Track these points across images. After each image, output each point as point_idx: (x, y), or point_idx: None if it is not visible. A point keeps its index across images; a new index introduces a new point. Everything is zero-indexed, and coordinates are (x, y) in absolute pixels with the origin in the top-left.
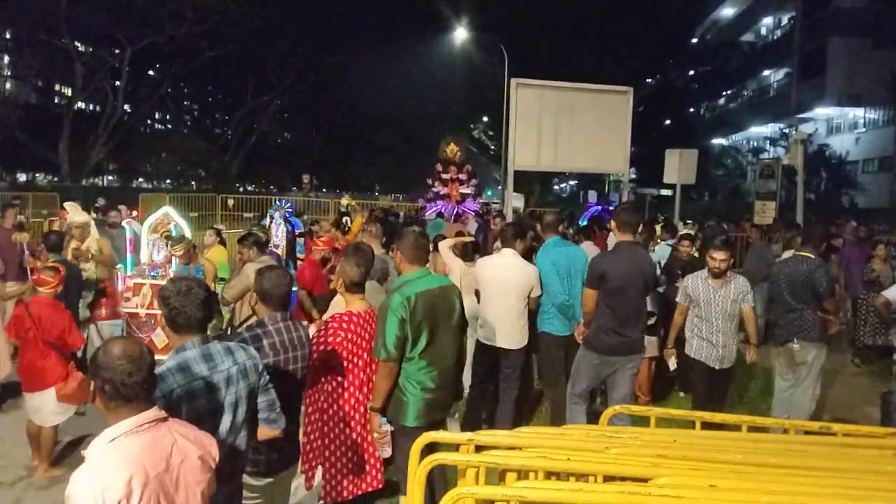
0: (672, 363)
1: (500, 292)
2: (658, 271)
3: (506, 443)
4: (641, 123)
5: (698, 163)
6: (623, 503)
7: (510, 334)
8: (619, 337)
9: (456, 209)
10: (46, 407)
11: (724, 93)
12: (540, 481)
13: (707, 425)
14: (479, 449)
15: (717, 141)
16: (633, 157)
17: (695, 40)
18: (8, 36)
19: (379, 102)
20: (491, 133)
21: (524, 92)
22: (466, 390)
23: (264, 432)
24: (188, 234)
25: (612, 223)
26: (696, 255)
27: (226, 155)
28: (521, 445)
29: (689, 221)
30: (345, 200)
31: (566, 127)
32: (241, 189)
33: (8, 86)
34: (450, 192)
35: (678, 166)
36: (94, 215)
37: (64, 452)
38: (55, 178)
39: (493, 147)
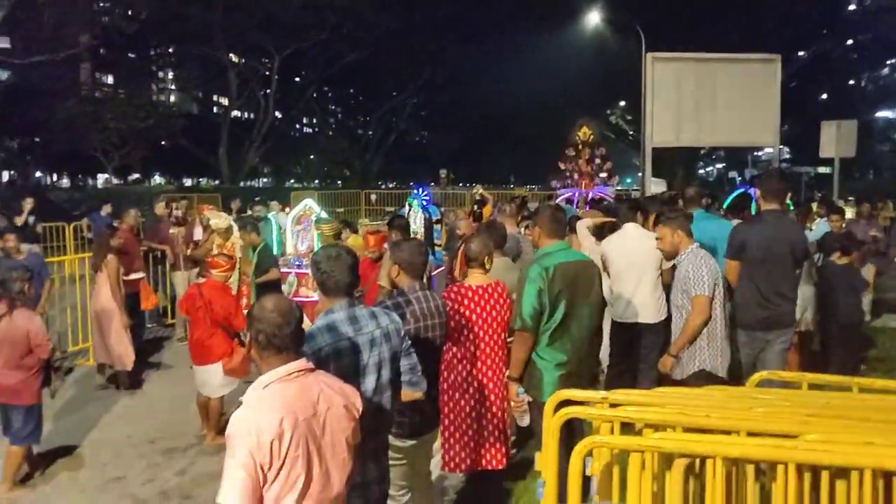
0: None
1: (629, 266)
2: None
3: (642, 401)
4: (794, 99)
5: (860, 138)
6: (767, 455)
7: (645, 307)
8: (764, 310)
9: (589, 194)
10: (213, 380)
11: (889, 62)
12: (678, 433)
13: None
14: (614, 408)
15: (882, 114)
16: (785, 135)
17: (852, 7)
18: (171, 51)
19: (513, 94)
20: (629, 117)
21: (661, 66)
22: (605, 370)
23: (407, 394)
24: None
25: (758, 192)
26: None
27: (368, 153)
28: (658, 404)
29: (850, 198)
30: (476, 190)
31: (708, 100)
32: (383, 185)
33: (172, 98)
34: (581, 177)
35: (835, 139)
36: (250, 212)
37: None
38: (217, 182)
39: (631, 132)
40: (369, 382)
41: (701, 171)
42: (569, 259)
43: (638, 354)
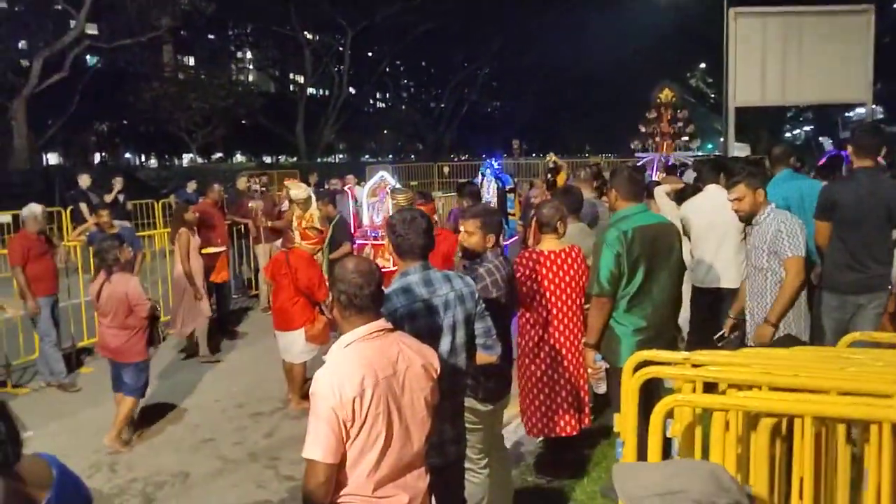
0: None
1: (710, 229)
2: None
3: (725, 362)
4: (890, 56)
5: None
6: (861, 414)
7: (727, 271)
8: (856, 273)
9: (669, 159)
10: (295, 346)
11: None
12: (764, 392)
13: None
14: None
15: None
16: (879, 94)
17: None
18: (248, 31)
19: (586, 60)
20: (710, 80)
21: (744, 22)
22: (685, 337)
23: (482, 357)
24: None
25: (850, 148)
26: None
27: (440, 126)
28: (743, 364)
29: None
30: (549, 158)
31: (795, 55)
32: (455, 158)
33: (250, 77)
34: (663, 138)
35: None
36: (327, 186)
37: None
38: (294, 158)
39: (712, 95)
40: (444, 344)
41: (787, 135)
42: (647, 222)
43: (719, 321)
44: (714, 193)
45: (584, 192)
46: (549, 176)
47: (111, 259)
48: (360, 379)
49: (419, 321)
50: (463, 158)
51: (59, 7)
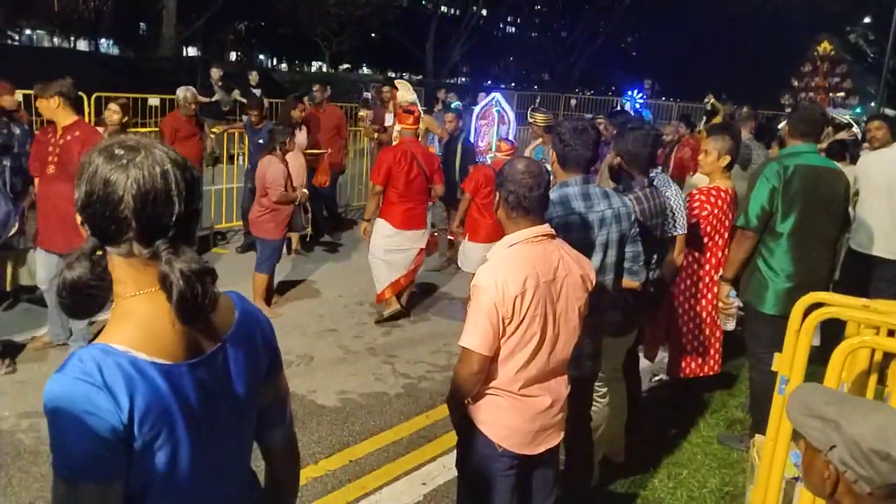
0: None
1: (886, 190)
2: None
3: None
4: None
5: None
6: None
7: (892, 240)
8: None
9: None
10: (472, 256)
11: None
12: None
13: None
14: None
15: None
16: None
17: None
18: None
19: (735, 3)
20: (871, 37)
21: None
22: None
23: (626, 282)
24: (513, 121)
25: None
26: None
27: (570, 57)
28: None
29: None
30: (707, 99)
31: None
32: (579, 92)
33: None
34: (817, 93)
35: None
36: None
37: None
38: (420, 76)
39: (872, 53)
40: (595, 260)
41: None
42: (813, 163)
43: (870, 291)
44: None
45: (744, 131)
46: (706, 120)
47: (278, 142)
48: (523, 279)
49: (573, 234)
50: (589, 93)
51: None
